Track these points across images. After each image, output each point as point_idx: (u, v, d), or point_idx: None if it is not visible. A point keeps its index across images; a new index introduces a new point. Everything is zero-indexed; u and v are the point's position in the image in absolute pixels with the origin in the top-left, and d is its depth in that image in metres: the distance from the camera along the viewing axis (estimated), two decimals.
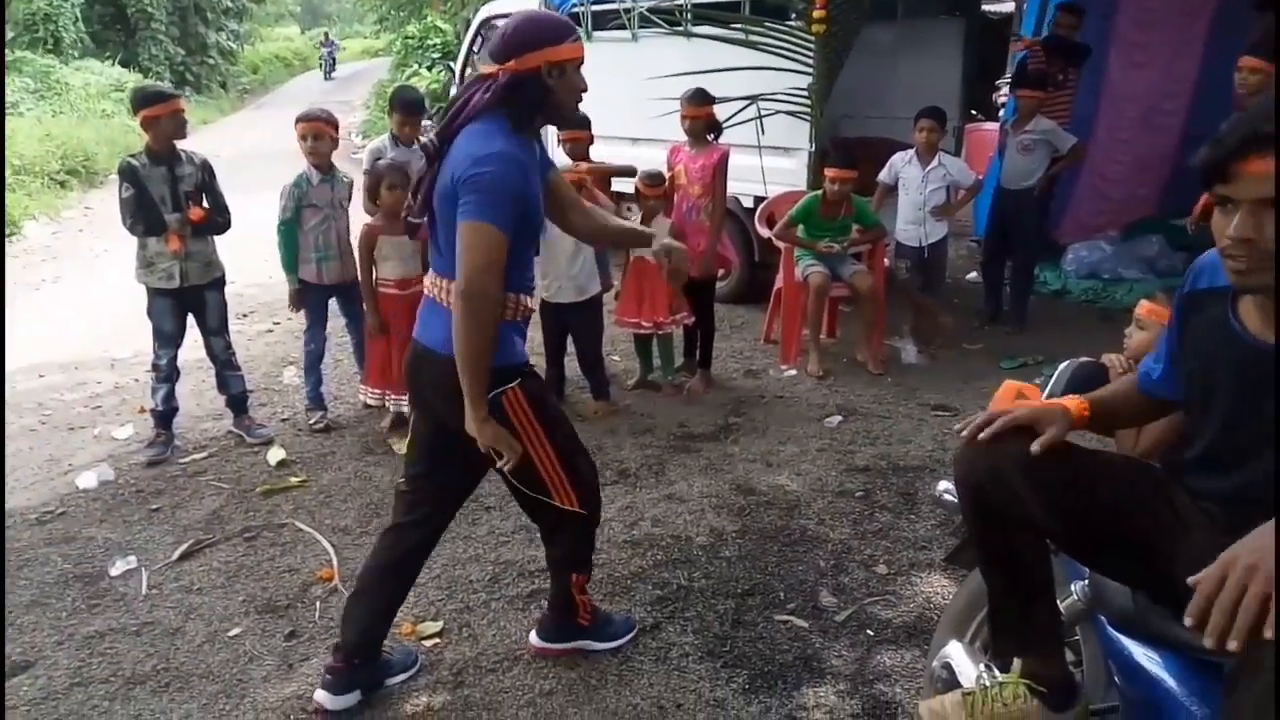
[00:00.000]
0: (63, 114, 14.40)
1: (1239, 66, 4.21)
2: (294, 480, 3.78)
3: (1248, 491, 1.39)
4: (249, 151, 13.80)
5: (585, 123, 4.35)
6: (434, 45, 18.29)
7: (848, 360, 5.08)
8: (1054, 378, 1.99)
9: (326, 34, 32.40)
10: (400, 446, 3.99)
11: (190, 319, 4.05)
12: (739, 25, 5.60)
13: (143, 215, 3.80)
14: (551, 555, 2.52)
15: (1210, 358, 1.46)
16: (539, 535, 2.58)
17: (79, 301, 6.85)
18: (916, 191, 5.04)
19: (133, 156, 3.85)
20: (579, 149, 4.43)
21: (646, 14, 6.07)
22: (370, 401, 4.26)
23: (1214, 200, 1.32)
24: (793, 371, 4.94)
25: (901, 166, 5.10)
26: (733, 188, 4.80)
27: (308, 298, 4.22)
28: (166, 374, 4.02)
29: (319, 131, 4.08)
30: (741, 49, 5.43)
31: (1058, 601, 1.71)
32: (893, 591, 2.89)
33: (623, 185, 5.16)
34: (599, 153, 4.67)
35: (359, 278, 4.10)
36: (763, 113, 5.29)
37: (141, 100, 3.83)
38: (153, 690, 2.52)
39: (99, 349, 5.62)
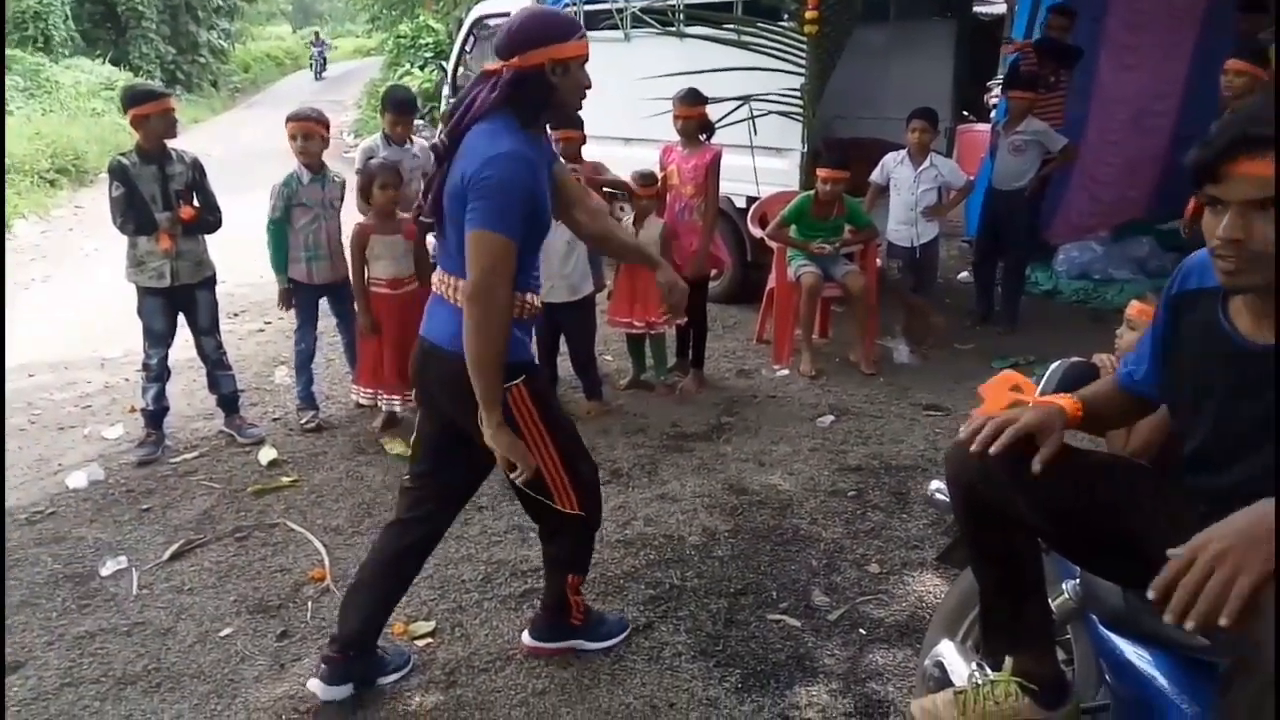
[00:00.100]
0: (53, 112, 14.29)
1: (1225, 69, 4.23)
2: (285, 480, 3.77)
3: (1239, 490, 1.40)
4: (240, 150, 13.76)
5: (578, 122, 4.34)
6: (426, 45, 18.24)
7: (840, 360, 5.09)
8: (1045, 378, 1.99)
9: (317, 34, 32.22)
10: (392, 446, 3.99)
11: (181, 318, 4.04)
12: (731, 26, 5.60)
13: (133, 214, 3.79)
14: (550, 555, 2.51)
15: (1201, 358, 1.47)
16: (531, 534, 2.58)
17: (69, 301, 6.81)
18: (908, 192, 5.05)
19: (123, 155, 3.84)
20: (570, 149, 4.42)
21: (639, 14, 6.08)
22: (362, 401, 4.25)
23: (1204, 201, 1.33)
24: (785, 371, 4.95)
25: (893, 167, 5.11)
26: (725, 188, 4.80)
27: (298, 297, 4.21)
28: (157, 373, 4.00)
29: (309, 131, 4.07)
30: (734, 49, 5.43)
31: (1049, 600, 1.72)
32: (885, 590, 2.90)
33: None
34: (591, 153, 4.66)
35: (350, 277, 4.09)
36: (755, 113, 5.29)
37: (132, 99, 3.81)
38: (144, 690, 2.51)
39: (89, 348, 5.59)
